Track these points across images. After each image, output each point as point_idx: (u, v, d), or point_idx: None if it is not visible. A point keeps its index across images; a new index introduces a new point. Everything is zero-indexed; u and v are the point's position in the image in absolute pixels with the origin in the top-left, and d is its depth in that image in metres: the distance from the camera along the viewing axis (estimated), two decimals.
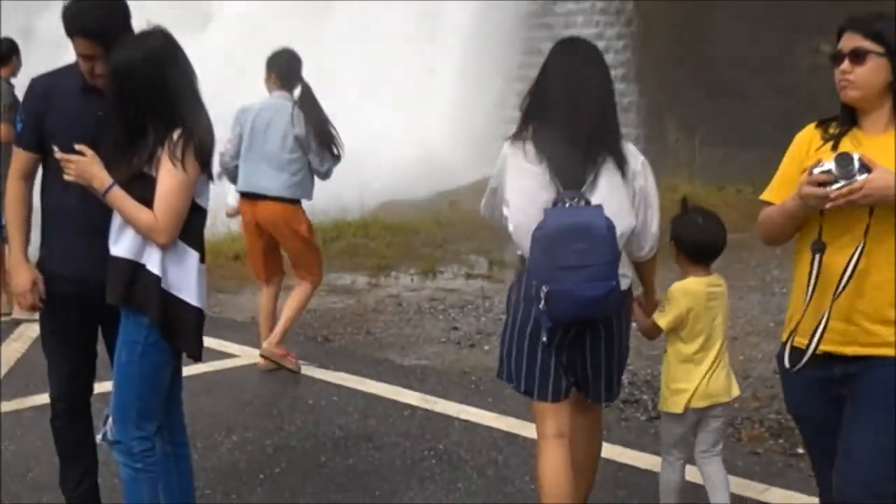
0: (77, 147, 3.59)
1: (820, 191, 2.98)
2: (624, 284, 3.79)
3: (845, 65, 3.11)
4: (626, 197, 3.71)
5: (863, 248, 3.02)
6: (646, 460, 4.95)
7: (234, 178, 6.57)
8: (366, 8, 19.78)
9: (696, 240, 4.06)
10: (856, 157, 2.95)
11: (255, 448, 5.33)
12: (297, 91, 6.48)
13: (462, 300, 8.62)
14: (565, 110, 3.69)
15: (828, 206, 2.99)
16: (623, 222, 3.67)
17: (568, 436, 3.87)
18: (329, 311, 8.43)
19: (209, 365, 6.42)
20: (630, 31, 18.55)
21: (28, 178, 3.96)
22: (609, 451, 4.44)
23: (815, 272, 3.09)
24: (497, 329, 7.68)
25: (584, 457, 4.08)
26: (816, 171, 2.99)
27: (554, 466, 3.81)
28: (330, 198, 14.37)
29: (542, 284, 3.59)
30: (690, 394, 4.02)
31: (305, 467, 5.07)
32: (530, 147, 3.71)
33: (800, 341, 3.18)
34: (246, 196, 6.54)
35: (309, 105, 6.44)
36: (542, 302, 3.59)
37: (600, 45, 4.84)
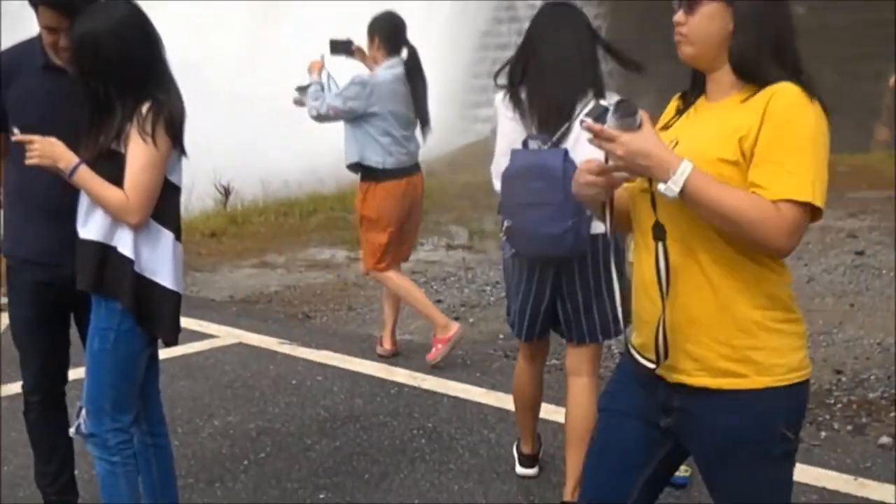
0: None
1: (587, 122, 2.36)
2: (601, 228, 3.88)
3: (679, 15, 2.47)
4: None
5: (665, 254, 2.41)
6: None
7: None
8: None
9: None
10: (640, 112, 2.33)
11: (238, 432, 5.15)
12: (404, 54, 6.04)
13: (444, 272, 8.46)
14: (545, 63, 3.94)
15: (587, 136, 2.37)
16: None
17: (540, 362, 4.36)
18: (309, 287, 8.26)
19: (187, 346, 6.24)
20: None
21: None
22: None
23: (662, 267, 2.43)
24: (481, 300, 7.57)
25: (577, 423, 4.07)
26: (598, 103, 2.41)
27: (522, 379, 4.35)
28: (305, 171, 14.21)
29: (505, 219, 3.91)
30: None
31: (291, 451, 4.90)
32: (514, 96, 3.99)
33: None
34: (403, 173, 6.00)
35: (419, 68, 6.05)
36: (504, 236, 3.94)
37: None
